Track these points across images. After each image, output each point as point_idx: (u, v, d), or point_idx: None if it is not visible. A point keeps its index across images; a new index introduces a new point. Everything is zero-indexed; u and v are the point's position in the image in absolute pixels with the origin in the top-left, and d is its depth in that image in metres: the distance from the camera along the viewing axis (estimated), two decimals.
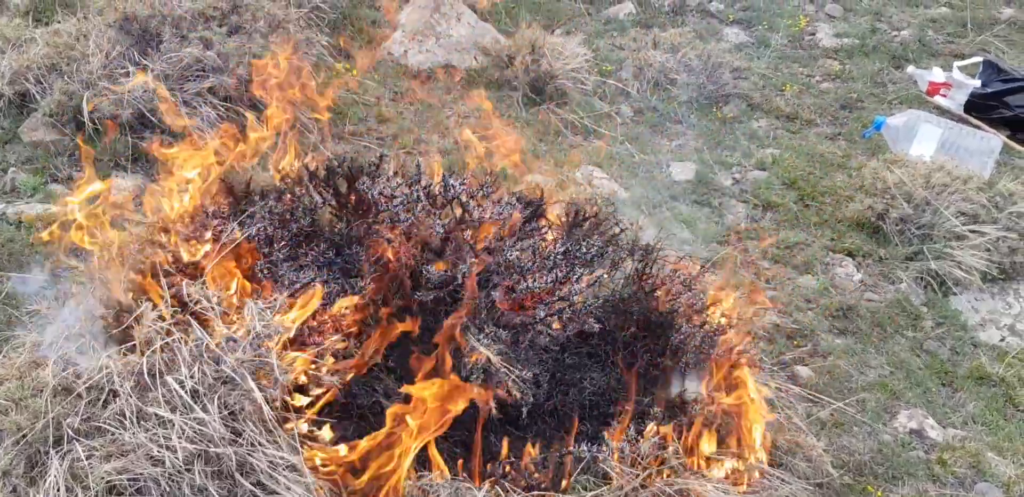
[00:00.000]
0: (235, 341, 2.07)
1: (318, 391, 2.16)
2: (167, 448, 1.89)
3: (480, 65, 4.54)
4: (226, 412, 2.01)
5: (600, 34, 5.10)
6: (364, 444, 2.11)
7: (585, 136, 4.20)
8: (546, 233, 2.84)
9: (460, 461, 2.31)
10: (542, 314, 2.52)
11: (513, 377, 2.46)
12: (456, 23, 4.69)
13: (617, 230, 3.03)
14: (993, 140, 4.15)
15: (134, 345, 2.07)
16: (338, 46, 4.21)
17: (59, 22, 3.60)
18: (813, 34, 5.34)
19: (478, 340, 2.47)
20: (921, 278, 3.34)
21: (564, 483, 2.31)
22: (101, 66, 3.25)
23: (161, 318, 2.07)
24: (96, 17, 3.47)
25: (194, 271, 2.31)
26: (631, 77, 4.63)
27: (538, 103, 4.32)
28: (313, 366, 2.15)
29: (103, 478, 1.85)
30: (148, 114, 3.19)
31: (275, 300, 2.17)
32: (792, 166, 4.01)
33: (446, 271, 2.46)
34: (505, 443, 2.37)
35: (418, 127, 3.92)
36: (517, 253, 2.65)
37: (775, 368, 2.77)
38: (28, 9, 3.96)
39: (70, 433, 1.93)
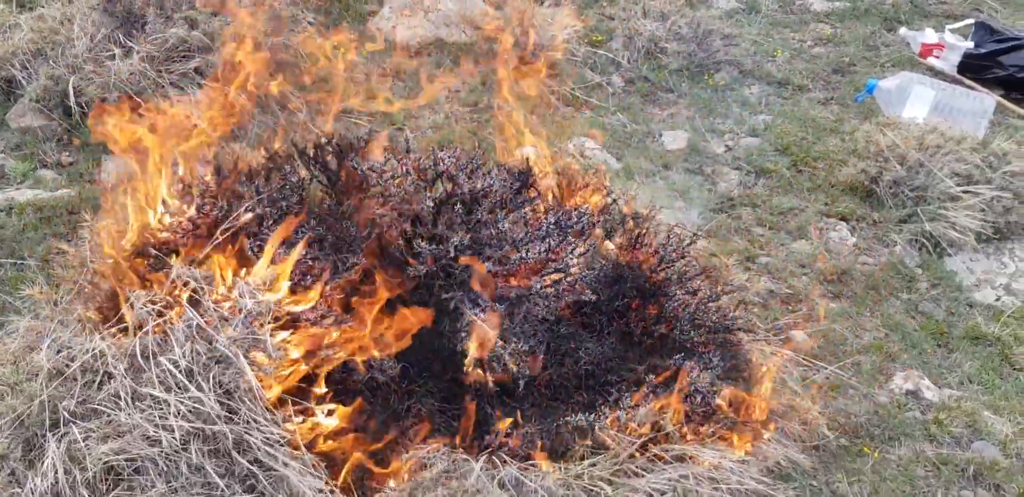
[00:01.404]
0: (227, 320, 2.05)
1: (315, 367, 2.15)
2: (163, 428, 1.89)
3: (469, 38, 4.48)
4: (221, 390, 2.00)
5: (589, 4, 5.03)
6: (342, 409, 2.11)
7: (577, 107, 4.16)
8: (537, 204, 2.81)
9: (458, 434, 2.31)
10: (537, 286, 2.50)
11: (510, 350, 2.45)
12: None
13: (609, 200, 3.01)
14: (987, 100, 4.10)
15: (127, 327, 2.05)
16: (325, 23, 4.15)
17: (43, 7, 3.55)
18: None
19: (474, 314, 2.45)
20: (915, 240, 3.31)
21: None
22: (86, 49, 3.21)
23: (152, 302, 2.06)
24: (80, 0, 3.42)
25: (185, 252, 2.29)
26: (621, 47, 4.56)
27: (528, 75, 4.26)
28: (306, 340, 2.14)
29: (100, 459, 1.85)
30: (135, 96, 3.16)
31: (265, 277, 2.15)
32: (784, 132, 3.96)
33: (438, 245, 2.44)
34: (500, 414, 2.37)
35: (407, 103, 3.87)
36: (508, 224, 2.62)
37: (769, 333, 2.75)
38: None
39: (66, 416, 1.93)
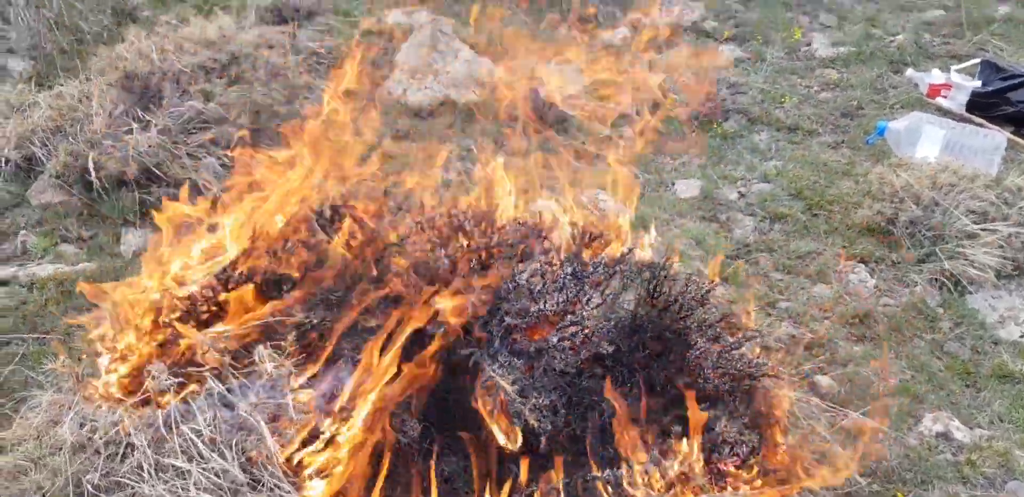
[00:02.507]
0: (248, 386, 2.07)
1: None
2: None
3: (479, 97, 4.58)
4: (244, 458, 2.00)
5: (597, 59, 5.12)
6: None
7: (588, 160, 4.20)
8: (553, 256, 2.83)
9: (482, 491, 2.28)
10: (555, 339, 2.50)
11: (530, 406, 2.44)
12: (453, 59, 4.74)
13: (625, 250, 3.02)
14: (997, 137, 4.10)
15: (148, 398, 2.07)
16: (338, 89, 4.25)
17: (61, 85, 3.67)
18: (808, 45, 5.33)
19: (493, 370, 2.45)
20: (935, 279, 3.28)
21: None
22: (105, 125, 3.31)
23: (173, 374, 2.08)
24: (98, 78, 3.54)
25: (205, 319, 2.32)
26: (630, 99, 4.63)
27: (539, 130, 4.33)
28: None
29: None
30: (153, 168, 3.24)
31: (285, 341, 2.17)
32: (797, 176, 3.98)
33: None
34: (525, 469, 2.34)
35: (420, 163, 3.94)
36: (526, 277, 2.64)
37: (795, 379, 2.72)
38: (31, 75, 4.06)
39: (90, 490, 1.93)
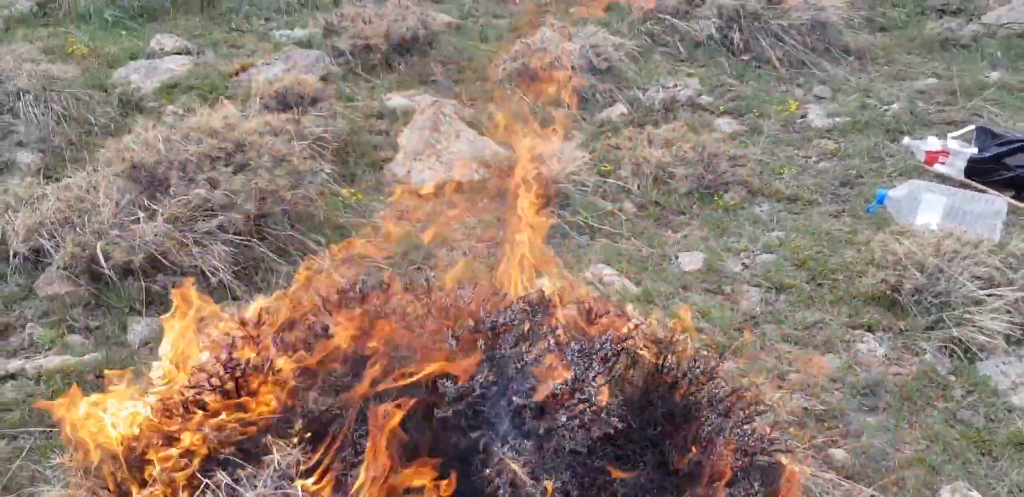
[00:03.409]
0: (255, 476, 2.10)
1: None
2: None
3: (482, 177, 4.72)
4: None
5: (596, 136, 5.30)
6: None
7: (591, 235, 4.30)
8: (559, 334, 2.89)
9: None
10: (564, 418, 2.54)
11: (541, 489, 2.45)
12: (455, 140, 4.91)
13: (632, 325, 3.08)
14: (998, 202, 4.20)
15: (156, 491, 2.10)
16: (342, 173, 4.42)
17: (69, 176, 3.83)
18: (804, 116, 5.50)
19: (503, 453, 2.48)
20: (945, 347, 3.33)
21: None
22: (112, 215, 3.43)
23: (178, 468, 2.12)
24: (105, 168, 3.69)
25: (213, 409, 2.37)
26: (630, 175, 4.77)
27: (542, 207, 4.45)
28: None
29: None
30: (160, 257, 3.35)
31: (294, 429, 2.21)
32: (800, 247, 4.07)
33: (463, 384, 2.50)
34: None
35: (426, 244, 4.05)
36: (533, 357, 2.69)
37: (808, 453, 2.74)
38: (39, 167, 4.22)
39: None
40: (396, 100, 5.38)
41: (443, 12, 6.92)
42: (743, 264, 4.04)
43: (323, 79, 5.38)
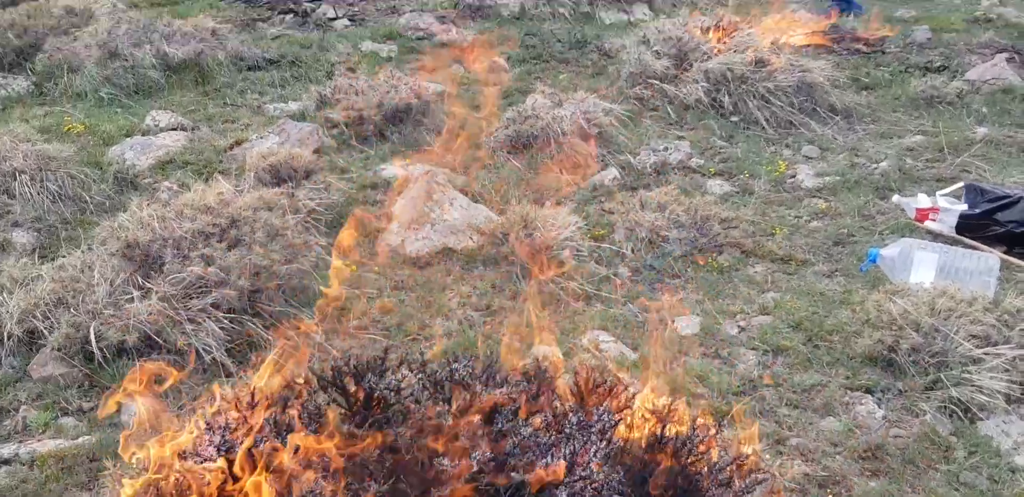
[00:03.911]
0: None
1: None
2: None
3: (477, 244, 4.80)
4: None
5: (589, 201, 5.40)
6: None
7: (587, 301, 4.36)
8: (556, 406, 2.91)
9: None
10: (564, 495, 2.55)
11: None
12: (449, 207, 5.01)
13: (630, 394, 3.11)
14: (991, 259, 4.27)
15: None
16: (336, 245, 4.49)
17: (64, 256, 3.90)
18: (794, 176, 5.62)
19: None
20: (945, 407, 3.35)
21: None
22: (106, 295, 3.49)
23: None
24: (99, 248, 3.77)
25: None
26: (624, 238, 4.86)
27: (537, 274, 4.52)
28: None
29: None
30: (154, 336, 3.39)
31: None
32: (795, 308, 4.12)
33: (460, 461, 2.52)
34: None
35: (421, 313, 4.11)
36: (530, 430, 2.72)
37: None
38: (34, 247, 4.29)
39: None
40: (390, 170, 5.51)
41: (435, 82, 7.12)
42: (739, 327, 4.09)
43: (317, 151, 5.52)
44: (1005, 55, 7.35)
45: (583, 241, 4.79)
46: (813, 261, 4.64)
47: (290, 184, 4.73)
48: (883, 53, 7.76)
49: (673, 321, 4.14)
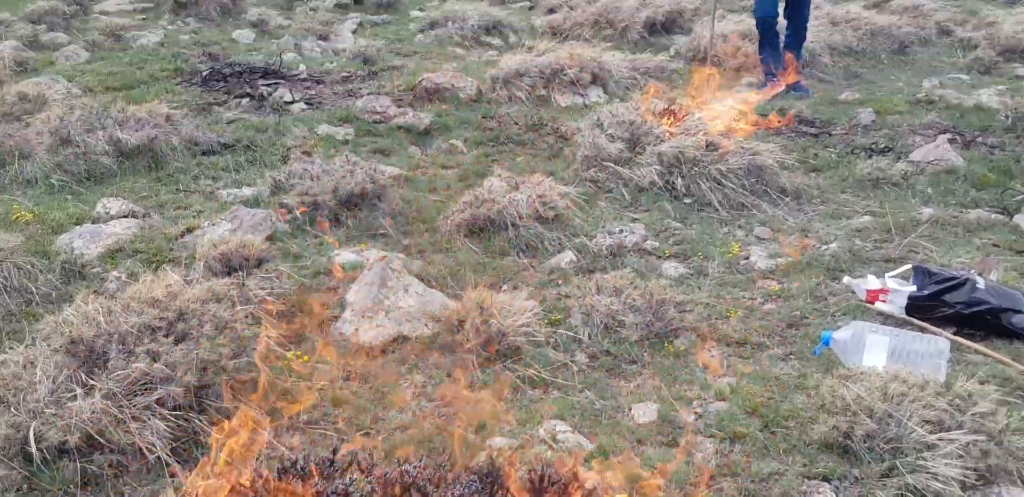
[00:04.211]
0: None
1: None
2: None
3: (432, 332, 4.80)
4: None
5: (545, 284, 5.46)
6: None
7: (544, 389, 4.35)
8: None
9: None
10: None
11: None
12: (404, 294, 5.02)
13: (587, 489, 3.09)
14: (940, 341, 4.37)
15: None
16: (288, 335, 4.47)
17: (5, 352, 3.83)
18: (747, 258, 5.75)
19: None
20: (901, 495, 3.36)
21: None
22: (48, 393, 3.43)
23: None
24: (42, 343, 3.71)
25: None
26: (580, 323, 4.89)
27: (493, 362, 4.52)
28: None
29: None
30: (96, 435, 3.32)
31: None
32: (751, 393, 4.16)
33: None
34: None
35: (374, 405, 4.07)
36: None
37: None
38: None
39: None
40: (344, 256, 5.53)
41: (391, 165, 7.24)
42: (696, 413, 4.10)
43: (270, 238, 5.54)
44: (947, 136, 7.68)
45: (540, 327, 4.81)
46: (768, 344, 4.71)
47: (241, 273, 4.73)
48: (830, 135, 8.07)
49: (631, 409, 4.15)
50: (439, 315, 4.83)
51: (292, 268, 5.14)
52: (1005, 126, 8.05)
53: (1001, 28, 11.26)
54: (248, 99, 8.60)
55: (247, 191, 6.41)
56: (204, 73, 9.22)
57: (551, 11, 13.35)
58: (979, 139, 7.77)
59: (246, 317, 4.12)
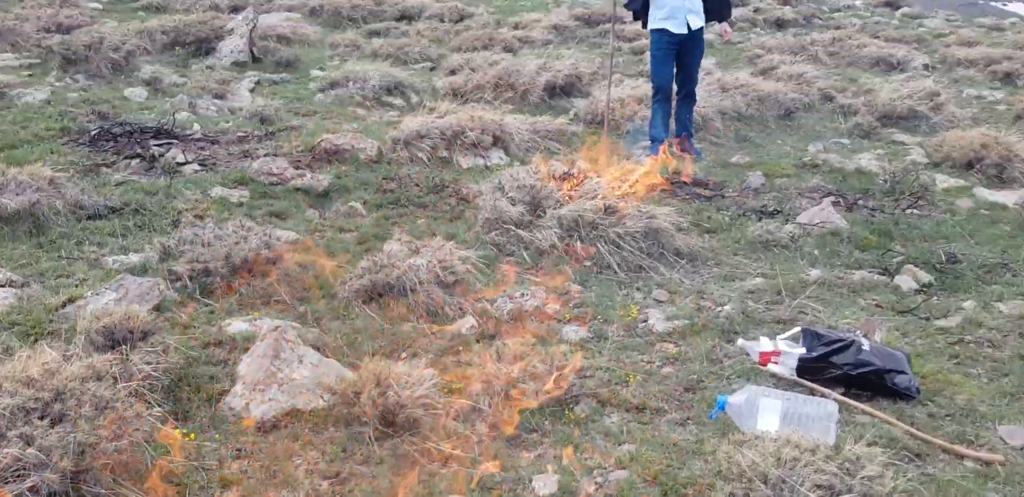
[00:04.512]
0: None
1: None
2: None
3: (327, 404, 4.70)
4: None
5: (445, 351, 5.43)
6: None
7: (444, 462, 4.30)
8: None
9: None
10: None
11: None
12: (298, 365, 4.92)
13: None
14: (829, 404, 4.52)
15: None
16: (174, 412, 4.31)
17: None
18: (646, 320, 5.86)
19: None
20: None
21: None
22: None
23: None
24: None
25: None
26: (481, 392, 4.87)
27: (391, 435, 4.45)
28: None
29: None
30: None
31: None
32: (650, 460, 4.20)
33: None
34: None
35: (265, 485, 3.94)
36: None
37: None
38: None
39: None
40: (236, 326, 5.40)
41: (287, 229, 7.15)
42: (597, 483, 4.11)
43: (157, 308, 5.37)
44: (831, 199, 8.08)
45: (439, 396, 4.77)
46: (666, 409, 4.78)
47: (125, 347, 4.56)
48: (723, 197, 8.38)
49: (531, 480, 4.13)
50: (335, 387, 4.74)
51: (180, 340, 4.98)
52: (884, 189, 8.52)
53: (878, 95, 11.99)
54: (139, 160, 8.40)
55: (134, 258, 6.21)
56: (92, 133, 8.98)
57: (453, 73, 13.57)
58: (860, 202, 8.20)
59: (129, 395, 3.96)
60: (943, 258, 6.87)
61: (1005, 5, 26.61)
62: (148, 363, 4.42)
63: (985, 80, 14.62)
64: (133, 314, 4.79)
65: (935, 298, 6.28)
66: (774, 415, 4.38)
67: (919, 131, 11.18)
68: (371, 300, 5.97)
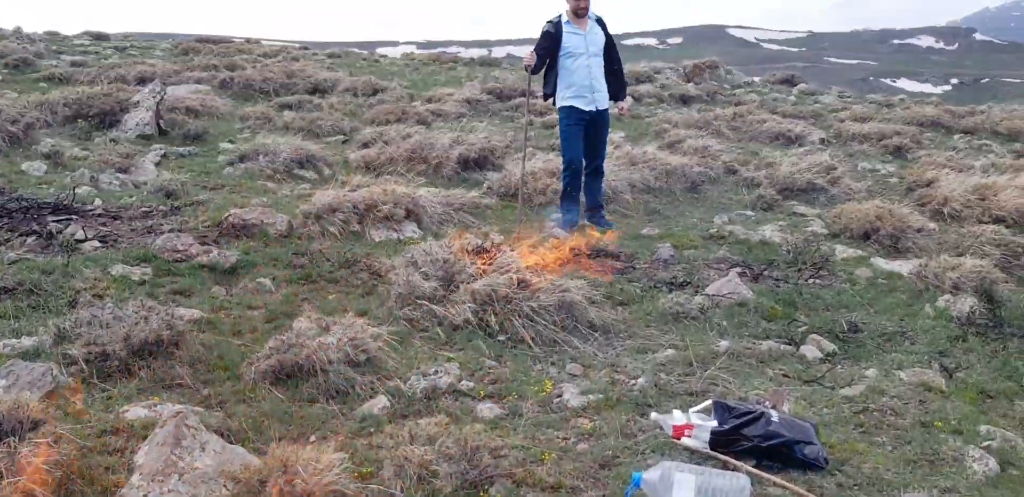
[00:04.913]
0: None
1: None
2: None
3: (231, 494, 4.52)
4: None
5: (356, 433, 5.32)
6: None
7: None
8: None
9: None
10: None
11: None
12: (200, 453, 4.74)
13: None
14: (742, 478, 4.57)
15: None
16: None
17: None
18: (560, 395, 5.87)
19: None
20: None
21: None
22: None
23: None
24: None
25: None
26: (393, 476, 4.76)
27: None
28: None
29: None
30: None
31: None
32: None
33: None
34: None
35: None
36: None
37: None
38: None
39: None
40: (135, 412, 5.19)
41: (192, 307, 6.99)
42: None
43: (50, 395, 5.14)
44: (737, 270, 8.33)
45: (349, 482, 4.64)
46: (582, 487, 4.75)
47: (12, 439, 4.32)
48: (634, 269, 8.55)
49: None
50: (239, 475, 4.57)
51: (74, 429, 4.75)
52: (787, 260, 8.84)
53: (779, 168, 12.56)
54: (35, 237, 8.14)
55: (27, 342, 5.96)
56: None
57: (365, 145, 13.68)
58: (766, 272, 8.48)
59: (17, 492, 3.74)
60: (845, 327, 7.11)
61: (894, 82, 28.38)
62: (38, 456, 4.20)
63: (878, 154, 15.48)
64: (23, 403, 4.57)
65: (839, 367, 6.47)
66: (688, 491, 4.40)
67: (818, 203, 11.70)
68: (279, 381, 5.83)
